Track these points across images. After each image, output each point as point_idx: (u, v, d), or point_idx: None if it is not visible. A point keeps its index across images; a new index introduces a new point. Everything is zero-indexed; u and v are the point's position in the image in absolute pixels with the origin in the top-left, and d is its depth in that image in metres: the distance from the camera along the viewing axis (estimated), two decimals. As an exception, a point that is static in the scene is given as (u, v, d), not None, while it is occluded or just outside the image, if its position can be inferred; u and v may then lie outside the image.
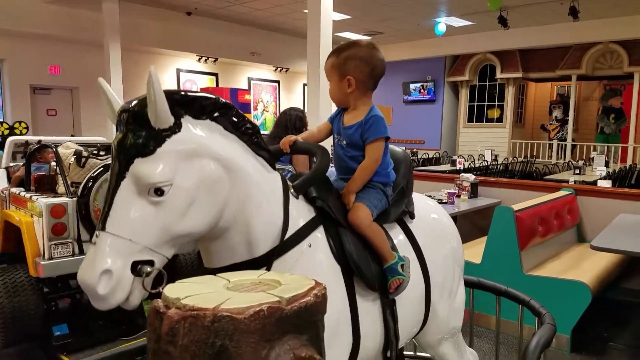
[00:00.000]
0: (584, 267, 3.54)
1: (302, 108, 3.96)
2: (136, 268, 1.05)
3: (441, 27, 10.40)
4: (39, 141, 3.70)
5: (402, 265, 1.41)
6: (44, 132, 8.83)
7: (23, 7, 8.17)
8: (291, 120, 3.26)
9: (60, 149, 3.18)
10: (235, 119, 1.18)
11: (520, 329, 2.06)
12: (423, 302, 1.59)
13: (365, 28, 11.22)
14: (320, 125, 1.58)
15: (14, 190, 3.39)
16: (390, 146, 1.62)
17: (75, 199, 2.89)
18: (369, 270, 1.36)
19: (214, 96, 1.16)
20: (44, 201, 2.83)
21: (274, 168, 1.28)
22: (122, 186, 1.05)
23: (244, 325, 0.78)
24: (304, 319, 0.86)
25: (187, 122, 1.10)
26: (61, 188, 3.13)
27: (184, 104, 1.10)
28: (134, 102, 1.08)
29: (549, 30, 10.41)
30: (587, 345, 3.20)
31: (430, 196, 4.48)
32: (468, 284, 2.02)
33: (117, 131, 1.11)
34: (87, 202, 2.86)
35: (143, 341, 1.53)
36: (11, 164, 4.26)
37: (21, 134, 7.94)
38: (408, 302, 1.49)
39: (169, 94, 1.06)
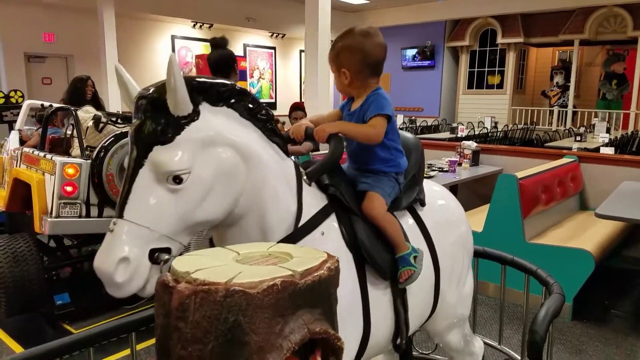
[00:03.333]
0: (586, 235, 3.55)
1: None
2: (153, 256, 1.04)
3: (442, -10, 10.09)
4: (50, 105, 3.72)
5: (414, 257, 1.40)
6: (40, 100, 8.69)
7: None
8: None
9: (79, 113, 3.19)
10: (251, 106, 1.16)
11: (526, 297, 2.06)
12: (432, 289, 1.58)
13: (364, -9, 10.87)
14: (331, 111, 1.56)
15: (27, 149, 3.41)
16: (402, 132, 1.60)
17: (89, 161, 2.91)
18: (381, 259, 1.35)
19: (230, 82, 1.15)
20: (59, 159, 2.85)
21: (287, 155, 1.27)
22: (141, 174, 1.04)
23: (257, 300, 0.74)
24: (317, 293, 0.83)
25: (204, 109, 1.09)
26: (75, 151, 3.17)
27: (202, 91, 1.09)
28: (152, 89, 1.07)
29: (553, -7, 10.11)
30: (588, 312, 3.24)
31: (431, 164, 4.48)
32: (473, 253, 2.01)
33: (134, 118, 1.09)
34: (100, 166, 2.90)
35: (147, 312, 1.52)
36: (25, 127, 4.34)
37: (17, 102, 7.81)
38: (418, 291, 1.48)
39: (187, 81, 1.04)
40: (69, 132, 3.40)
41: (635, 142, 8.59)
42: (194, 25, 11.01)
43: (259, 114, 1.18)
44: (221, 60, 3.09)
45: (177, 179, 1.04)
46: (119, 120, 3.21)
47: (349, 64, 1.39)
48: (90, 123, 3.12)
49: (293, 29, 12.02)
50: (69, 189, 2.82)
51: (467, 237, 1.76)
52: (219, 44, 3.19)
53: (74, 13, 8.99)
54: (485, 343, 2.15)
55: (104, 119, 3.13)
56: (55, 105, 3.89)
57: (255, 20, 11.16)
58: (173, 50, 10.90)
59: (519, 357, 2.14)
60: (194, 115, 1.07)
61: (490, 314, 3.24)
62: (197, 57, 10.67)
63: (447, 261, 1.61)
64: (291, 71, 13.50)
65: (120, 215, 1.03)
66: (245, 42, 12.23)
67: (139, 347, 2.56)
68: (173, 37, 10.90)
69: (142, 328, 1.51)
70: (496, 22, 12.01)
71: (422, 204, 1.60)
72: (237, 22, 11.05)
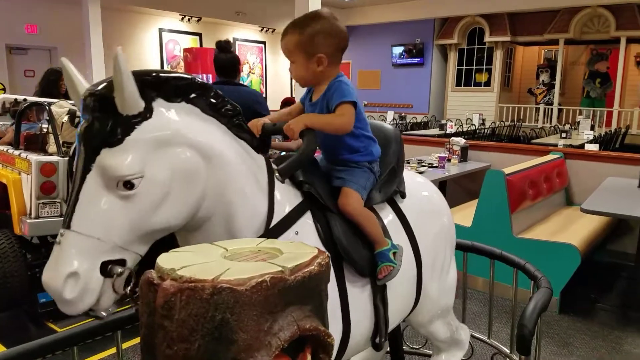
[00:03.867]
0: (572, 229, 3.59)
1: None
2: (106, 268, 0.96)
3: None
4: (25, 99, 3.57)
5: (394, 253, 1.37)
6: (22, 93, 8.43)
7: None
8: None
9: (53, 108, 3.07)
10: (213, 100, 1.08)
11: (515, 291, 2.07)
12: (414, 283, 1.55)
13: (353, -13, 10.86)
14: (292, 106, 1.47)
15: (1, 147, 3.29)
16: (380, 123, 1.55)
17: (66, 158, 2.82)
18: (359, 256, 1.31)
19: (189, 76, 1.07)
20: (34, 158, 2.77)
21: (258, 151, 1.19)
22: (88, 180, 0.96)
23: (245, 298, 0.72)
24: (307, 289, 0.82)
25: (159, 106, 1.00)
26: (52, 147, 3.05)
27: (156, 86, 1.00)
28: (101, 86, 0.98)
29: (539, -8, 10.22)
30: (575, 306, 3.28)
31: (420, 160, 4.49)
32: (462, 247, 2.01)
33: (82, 118, 1.00)
34: None
35: (134, 310, 1.48)
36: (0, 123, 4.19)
37: (-3, 95, 7.61)
38: (399, 285, 1.44)
39: (138, 76, 0.96)
40: (44, 127, 3.26)
41: (618, 139, 8.74)
42: (182, 19, 10.87)
43: (223, 108, 1.09)
44: (228, 62, 3.29)
45: (128, 184, 0.95)
46: None
47: (325, 48, 1.28)
48: (66, 118, 3.00)
49: (283, 24, 11.89)
50: (47, 188, 2.73)
51: (450, 228, 1.74)
52: (224, 48, 3.33)
53: (58, 4, 8.79)
54: (474, 337, 2.16)
55: (79, 113, 3.04)
56: (30, 99, 3.72)
57: (244, 14, 11.05)
58: (160, 43, 10.75)
59: (508, 351, 2.15)
60: (146, 113, 0.98)
61: (479, 308, 3.26)
62: (185, 50, 10.52)
63: (429, 253, 1.58)
64: (281, 66, 13.41)
65: (67, 226, 0.95)
66: (235, 36, 12.12)
67: (125, 345, 2.53)
68: (161, 30, 10.74)
69: (128, 326, 1.47)
70: (484, 20, 12.10)
71: (403, 195, 1.56)
72: (227, 16, 10.94)
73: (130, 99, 0.95)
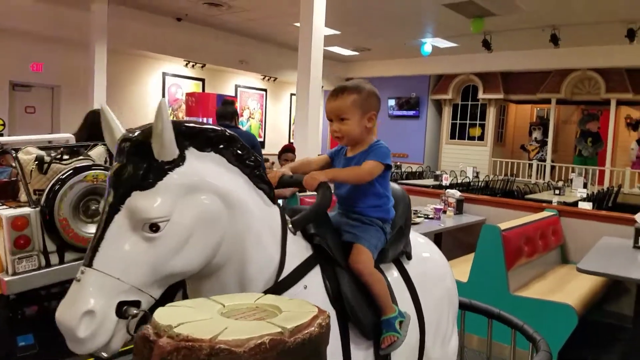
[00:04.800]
0: (569, 288, 3.55)
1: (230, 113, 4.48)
2: (121, 309, 0.96)
3: (427, 48, 10.57)
4: None
5: (400, 322, 1.34)
6: (22, 129, 8.52)
7: (8, 2, 7.96)
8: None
9: (20, 155, 2.91)
10: (239, 152, 1.13)
11: (513, 353, 2.01)
12: (417, 347, 1.51)
13: (353, 44, 11.30)
14: (318, 157, 1.53)
15: None
16: (390, 183, 1.59)
17: (38, 208, 2.68)
18: (365, 317, 1.29)
19: (219, 128, 1.12)
20: (4, 213, 2.62)
21: (274, 202, 1.22)
22: (116, 219, 0.98)
23: (243, 360, 0.70)
24: (307, 352, 0.79)
25: (191, 154, 1.05)
26: (24, 196, 2.89)
27: (190, 136, 1.06)
28: (137, 132, 1.03)
29: (531, 55, 10.67)
30: (572, 368, 3.18)
31: (416, 211, 4.49)
32: (459, 305, 1.97)
33: (115, 161, 1.04)
34: (51, 210, 2.66)
35: (123, 358, 1.42)
36: None
37: (-1, 132, 7.66)
38: (402, 350, 1.40)
39: (175, 125, 1.01)
40: (15, 173, 3.10)
41: (611, 197, 8.84)
42: (187, 64, 11.19)
43: (247, 160, 1.14)
44: (228, 113, 4.25)
45: (154, 227, 0.98)
46: (64, 157, 2.95)
47: (374, 108, 1.42)
48: (34, 166, 2.85)
49: (285, 74, 12.33)
50: (21, 242, 2.60)
51: (453, 292, 1.72)
52: (228, 103, 4.44)
53: (65, 44, 8.99)
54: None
55: (47, 158, 2.85)
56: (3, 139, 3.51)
57: (247, 63, 11.42)
58: (163, 86, 11.00)
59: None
60: (179, 160, 1.02)
61: (474, 369, 3.15)
62: (188, 94, 10.78)
63: (432, 317, 1.55)
64: (281, 113, 13.71)
65: (89, 264, 0.96)
66: (237, 82, 12.45)
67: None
68: (164, 74, 11.02)
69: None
70: (477, 79, 12.56)
71: (409, 257, 1.56)
72: (230, 63, 11.29)
73: (168, 147, 0.99)
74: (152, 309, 0.99)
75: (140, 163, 1.00)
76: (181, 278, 1.07)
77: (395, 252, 1.51)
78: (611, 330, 3.86)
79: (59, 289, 3.41)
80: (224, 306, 0.87)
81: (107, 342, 0.96)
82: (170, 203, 0.99)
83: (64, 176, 2.73)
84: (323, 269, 1.27)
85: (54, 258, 2.72)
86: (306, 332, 0.78)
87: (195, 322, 0.77)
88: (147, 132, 1.00)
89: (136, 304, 0.98)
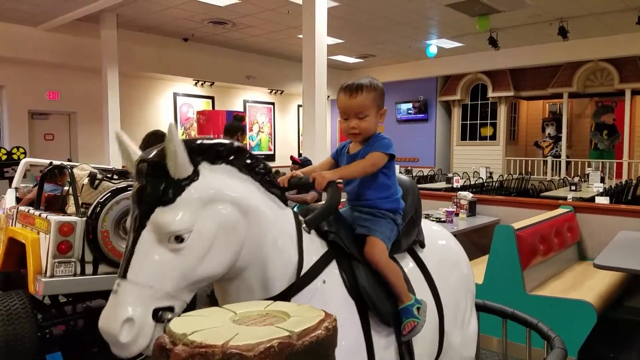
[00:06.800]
0: (587, 285, 3.51)
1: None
2: (157, 314, 1.06)
3: (432, 49, 10.58)
4: (50, 163, 3.75)
5: (417, 309, 1.39)
6: (41, 156, 8.78)
7: (23, 35, 8.30)
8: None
9: (75, 170, 3.24)
10: (249, 161, 1.21)
11: (529, 352, 2.02)
12: (437, 332, 1.55)
13: (358, 51, 11.40)
14: (323, 161, 1.60)
15: (22, 208, 3.41)
16: (397, 174, 1.61)
17: (84, 218, 2.91)
18: (384, 306, 1.35)
19: (228, 141, 1.20)
20: (53, 218, 2.86)
21: (286, 204, 1.30)
22: (143, 235, 1.07)
23: (254, 363, 0.75)
24: (315, 354, 0.83)
25: (204, 168, 1.13)
26: (70, 209, 3.17)
27: (201, 152, 1.14)
28: (153, 153, 1.11)
29: (539, 50, 10.58)
30: (594, 366, 3.14)
31: (428, 215, 4.50)
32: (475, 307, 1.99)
33: (135, 181, 1.13)
34: (95, 223, 2.90)
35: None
36: (22, 185, 4.34)
37: (19, 158, 7.92)
38: (424, 335, 1.45)
39: (187, 144, 1.10)
40: (66, 191, 3.41)
41: (629, 191, 8.68)
42: (196, 83, 11.41)
43: (257, 167, 1.22)
44: (234, 128, 4.45)
45: (179, 239, 1.06)
46: (115, 176, 3.23)
47: (383, 104, 1.49)
48: (86, 180, 3.15)
49: (291, 86, 12.48)
50: (63, 247, 2.81)
51: (469, 278, 1.76)
52: (237, 118, 4.57)
53: (79, 71, 9.30)
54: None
55: (99, 176, 3.16)
56: (56, 162, 3.94)
57: (254, 78, 11.61)
58: (175, 106, 11.23)
59: (526, 417, 2.06)
60: (194, 176, 1.11)
61: (495, 370, 3.14)
62: (199, 113, 10.97)
63: (450, 302, 1.60)
64: (289, 125, 13.84)
65: (123, 276, 1.05)
66: (245, 98, 12.64)
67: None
68: (175, 94, 11.26)
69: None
70: (486, 77, 12.48)
71: (422, 245, 1.61)
72: (238, 80, 11.49)
73: (182, 166, 1.08)
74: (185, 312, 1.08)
75: (159, 182, 1.08)
76: (208, 282, 1.16)
77: (409, 241, 1.56)
78: (632, 327, 3.79)
79: (86, 309, 3.53)
80: (235, 314, 0.92)
81: (148, 344, 1.05)
82: (191, 215, 1.07)
83: (111, 192, 2.97)
84: (339, 263, 1.34)
85: (89, 268, 2.91)
86: (313, 334, 0.83)
87: (208, 330, 0.82)
88: (162, 153, 1.08)
89: (170, 308, 1.07)
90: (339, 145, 1.56)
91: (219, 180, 1.14)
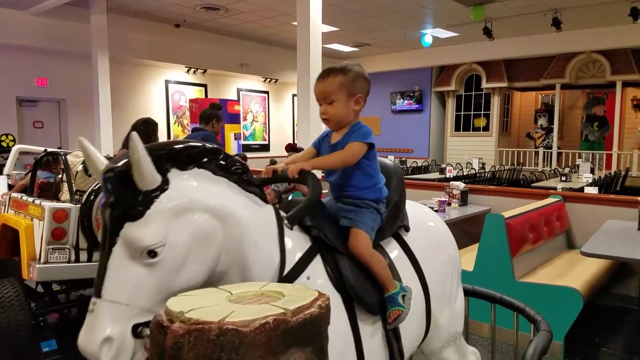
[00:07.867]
0: (574, 273, 3.58)
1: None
2: (136, 330, 1.03)
3: (427, 39, 10.56)
4: (45, 150, 3.71)
5: (403, 296, 1.40)
6: (31, 144, 8.71)
7: (10, 19, 8.11)
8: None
9: (69, 157, 3.21)
10: (223, 162, 1.16)
11: (516, 336, 2.07)
12: (424, 314, 1.58)
13: (353, 40, 11.34)
14: (305, 151, 1.56)
15: (15, 194, 3.38)
16: (381, 158, 1.60)
17: (78, 205, 2.89)
18: (369, 297, 1.36)
19: (200, 144, 1.14)
20: (48, 204, 2.84)
21: (266, 201, 1.26)
22: (114, 251, 1.03)
23: (249, 339, 0.77)
24: (309, 331, 0.86)
25: (174, 176, 1.08)
26: (64, 195, 3.16)
27: (170, 158, 1.08)
28: (120, 163, 1.04)
29: (533, 41, 10.63)
30: (579, 351, 3.22)
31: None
32: (463, 292, 2.03)
33: (103, 193, 1.07)
34: (89, 210, 2.88)
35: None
36: (14, 172, 4.29)
37: (7, 146, 7.84)
38: (410, 319, 1.47)
39: (154, 151, 1.04)
40: (59, 179, 3.40)
41: (618, 181, 8.80)
42: (188, 71, 11.30)
43: (232, 167, 1.17)
44: (204, 116, 4.42)
45: (152, 253, 1.02)
46: None
47: (362, 91, 1.43)
48: (80, 167, 3.13)
49: (285, 74, 12.40)
50: (57, 233, 2.80)
51: (455, 258, 1.78)
52: (213, 106, 4.57)
53: (69, 58, 9.12)
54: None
55: None
56: (50, 149, 3.92)
57: (248, 66, 11.51)
58: (167, 94, 11.13)
59: (513, 399, 2.12)
60: (163, 185, 1.05)
61: (483, 354, 3.19)
62: (191, 101, 10.90)
63: (436, 283, 1.61)
64: (284, 114, 13.80)
65: (98, 295, 1.02)
66: (239, 86, 12.55)
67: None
68: (167, 82, 11.14)
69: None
70: (480, 68, 12.52)
71: (407, 229, 1.61)
72: (231, 67, 11.38)
73: (148, 177, 1.02)
74: None
75: (127, 194, 1.02)
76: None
77: (393, 228, 1.56)
78: (618, 313, 3.89)
79: (79, 297, 3.54)
80: (231, 294, 0.95)
81: None
82: (162, 228, 1.03)
83: None
84: (323, 258, 1.33)
85: (83, 255, 2.90)
86: (307, 312, 0.85)
87: (204, 308, 0.84)
88: (129, 163, 1.02)
89: (149, 323, 1.05)
90: (322, 134, 1.52)
91: (191, 187, 1.09)
